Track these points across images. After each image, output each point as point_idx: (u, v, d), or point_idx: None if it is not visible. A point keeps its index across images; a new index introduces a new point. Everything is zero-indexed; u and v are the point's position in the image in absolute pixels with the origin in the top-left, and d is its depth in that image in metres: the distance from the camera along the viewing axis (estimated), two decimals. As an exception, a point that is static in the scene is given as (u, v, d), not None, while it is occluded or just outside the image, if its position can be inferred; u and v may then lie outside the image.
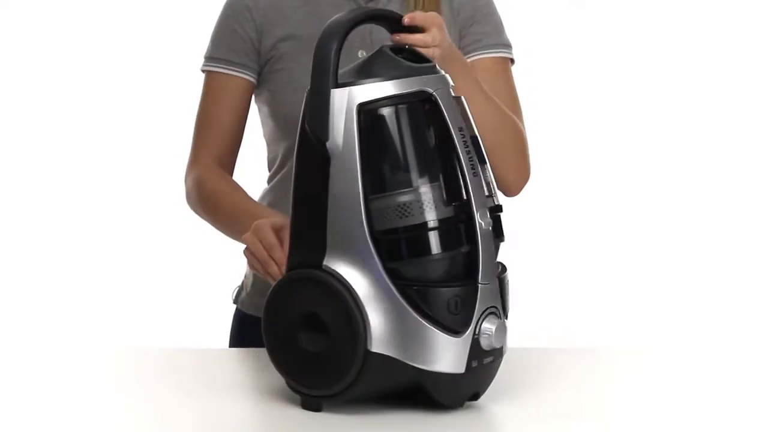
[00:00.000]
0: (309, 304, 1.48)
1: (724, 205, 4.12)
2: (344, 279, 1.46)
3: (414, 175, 1.48)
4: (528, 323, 3.88)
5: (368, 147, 1.47)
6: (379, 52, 1.54)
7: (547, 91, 3.98)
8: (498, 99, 1.90)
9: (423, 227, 1.47)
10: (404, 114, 1.49)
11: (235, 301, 2.10)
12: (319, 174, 1.48)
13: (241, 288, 2.09)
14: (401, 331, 1.46)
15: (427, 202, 1.48)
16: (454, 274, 1.49)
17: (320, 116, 1.47)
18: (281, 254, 1.68)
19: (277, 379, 1.60)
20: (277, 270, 1.69)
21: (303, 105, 1.50)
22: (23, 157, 4.09)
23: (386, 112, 1.49)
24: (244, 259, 2.09)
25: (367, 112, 1.48)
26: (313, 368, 1.49)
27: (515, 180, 1.94)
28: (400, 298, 1.46)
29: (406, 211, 1.47)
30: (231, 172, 2.00)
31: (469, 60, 1.96)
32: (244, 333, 2.07)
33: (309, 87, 1.50)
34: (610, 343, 3.61)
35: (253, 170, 2.13)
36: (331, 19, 1.53)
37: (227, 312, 2.11)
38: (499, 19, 2.02)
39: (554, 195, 4.06)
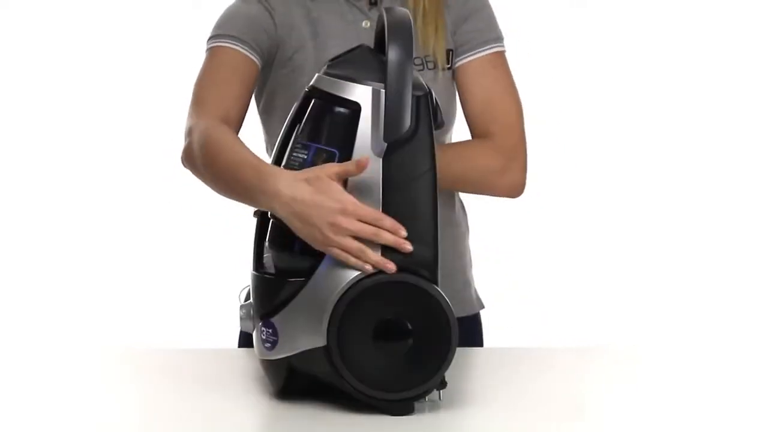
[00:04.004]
0: (396, 307, 1.49)
1: (721, 204, 4.12)
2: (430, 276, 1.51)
3: None
4: (526, 323, 3.88)
5: None
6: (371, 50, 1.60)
7: (547, 90, 3.97)
8: (496, 92, 1.93)
9: None
10: None
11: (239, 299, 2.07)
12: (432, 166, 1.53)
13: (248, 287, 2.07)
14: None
15: None
16: None
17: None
18: (392, 220, 1.51)
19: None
20: (392, 238, 1.51)
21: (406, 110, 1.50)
22: (23, 157, 4.08)
23: None
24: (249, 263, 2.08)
25: None
26: (401, 371, 1.49)
27: (509, 191, 1.94)
28: None
29: None
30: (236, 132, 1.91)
31: (462, 62, 1.96)
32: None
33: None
34: (609, 342, 3.60)
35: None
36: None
37: (232, 313, 2.09)
38: (491, 12, 2.00)
39: (554, 194, 4.05)
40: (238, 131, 1.88)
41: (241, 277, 2.11)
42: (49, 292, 4.03)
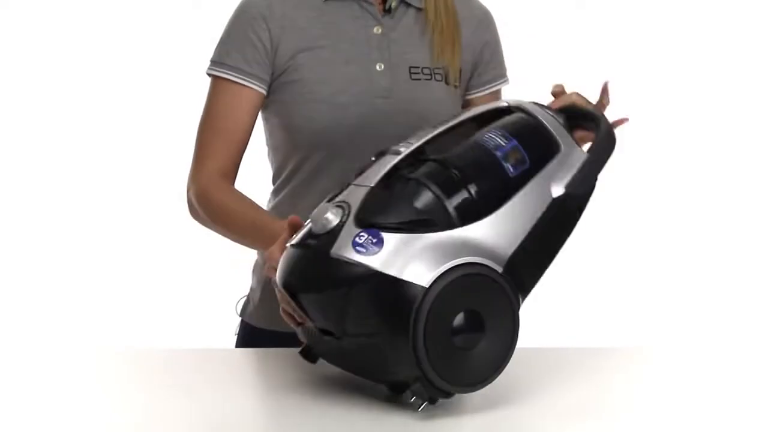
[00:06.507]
0: (474, 302, 1.48)
1: (726, 205, 4.12)
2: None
3: None
4: (530, 324, 3.88)
5: None
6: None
7: (546, 90, 3.97)
8: None
9: None
10: None
11: (241, 314, 2.07)
12: None
13: (247, 300, 2.07)
14: None
15: None
16: None
17: None
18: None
19: (279, 378, 1.59)
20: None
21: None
22: (23, 157, 4.09)
23: None
24: (249, 269, 2.09)
25: None
26: (468, 365, 1.48)
27: None
28: None
29: None
30: (233, 181, 1.94)
31: (471, 97, 2.05)
32: (252, 346, 2.02)
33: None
34: (616, 343, 3.60)
35: (255, 178, 2.09)
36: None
37: (231, 313, 2.10)
38: (501, 47, 2.08)
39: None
40: (239, 164, 1.94)
41: (241, 277, 2.11)
42: (48, 292, 4.03)
